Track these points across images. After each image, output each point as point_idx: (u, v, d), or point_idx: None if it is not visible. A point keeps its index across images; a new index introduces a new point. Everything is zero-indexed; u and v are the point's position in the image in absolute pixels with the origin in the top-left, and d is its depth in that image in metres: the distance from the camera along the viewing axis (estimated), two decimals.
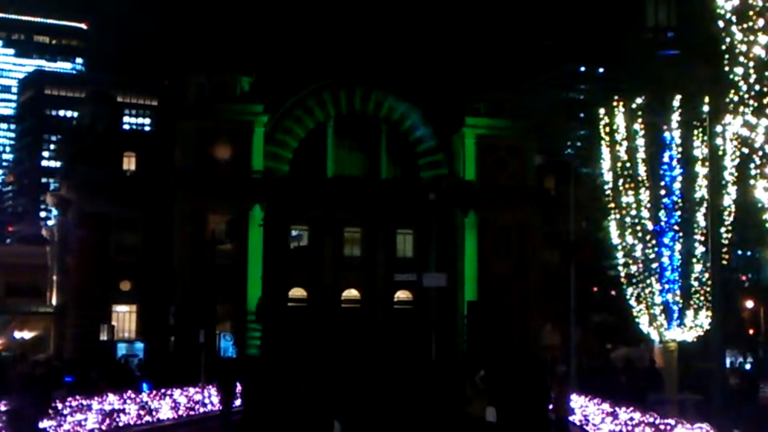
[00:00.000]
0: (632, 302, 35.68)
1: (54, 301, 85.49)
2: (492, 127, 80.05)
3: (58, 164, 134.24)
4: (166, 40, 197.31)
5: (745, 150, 18.99)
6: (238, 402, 36.38)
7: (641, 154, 34.46)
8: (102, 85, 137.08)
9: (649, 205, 34.34)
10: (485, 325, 72.55)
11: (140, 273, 75.59)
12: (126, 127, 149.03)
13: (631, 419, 25.42)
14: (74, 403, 28.52)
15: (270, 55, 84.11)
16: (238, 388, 36.32)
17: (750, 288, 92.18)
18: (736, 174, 29.67)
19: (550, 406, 29.42)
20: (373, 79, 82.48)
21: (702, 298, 33.45)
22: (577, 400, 32.62)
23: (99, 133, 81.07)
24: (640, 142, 34.49)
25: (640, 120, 34.50)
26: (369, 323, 78.41)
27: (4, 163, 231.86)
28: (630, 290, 35.49)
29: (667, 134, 34.39)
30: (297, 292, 79.72)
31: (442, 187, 76.07)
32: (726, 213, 30.47)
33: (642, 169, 34.41)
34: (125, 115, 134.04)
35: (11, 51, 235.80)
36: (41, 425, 24.43)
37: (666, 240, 34.07)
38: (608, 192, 35.76)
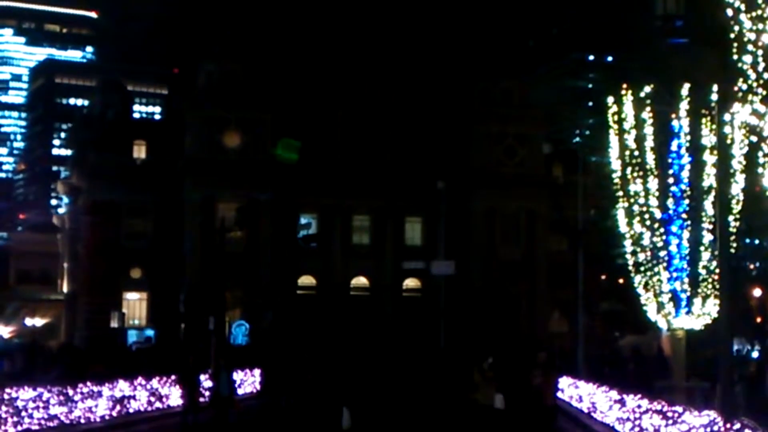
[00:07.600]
0: (640, 290, 35.61)
1: (65, 289, 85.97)
2: (501, 115, 79.95)
3: (68, 152, 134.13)
4: (176, 28, 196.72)
5: (754, 138, 19.02)
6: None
7: (649, 143, 34.35)
8: (112, 74, 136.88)
9: (657, 194, 34.25)
10: (493, 313, 72.76)
11: (151, 261, 75.99)
12: (136, 115, 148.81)
13: (639, 407, 25.51)
14: (85, 389, 28.74)
15: (279, 45, 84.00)
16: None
17: (758, 276, 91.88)
18: (744, 162, 29.64)
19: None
20: (383, 67, 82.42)
21: (710, 286, 33.35)
22: (584, 388, 32.77)
23: (109, 122, 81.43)
24: (649, 130, 34.38)
25: (648, 108, 34.38)
26: (378, 311, 78.58)
27: (15, 151, 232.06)
28: (638, 278, 35.43)
29: (675, 123, 34.27)
30: (306, 280, 79.95)
31: (450, 174, 76.00)
32: (734, 201, 30.44)
33: (650, 158, 34.32)
34: (135, 103, 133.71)
35: (22, 39, 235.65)
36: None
37: (674, 228, 34.00)
38: (616, 180, 35.67)
